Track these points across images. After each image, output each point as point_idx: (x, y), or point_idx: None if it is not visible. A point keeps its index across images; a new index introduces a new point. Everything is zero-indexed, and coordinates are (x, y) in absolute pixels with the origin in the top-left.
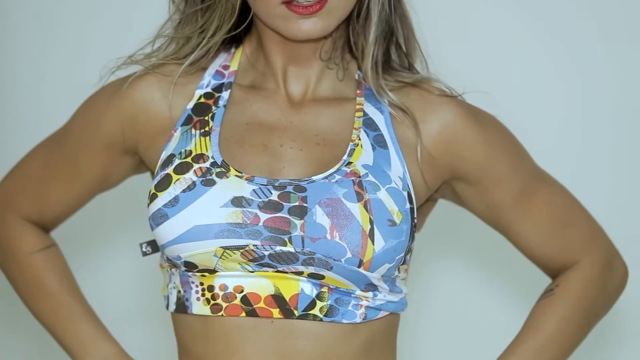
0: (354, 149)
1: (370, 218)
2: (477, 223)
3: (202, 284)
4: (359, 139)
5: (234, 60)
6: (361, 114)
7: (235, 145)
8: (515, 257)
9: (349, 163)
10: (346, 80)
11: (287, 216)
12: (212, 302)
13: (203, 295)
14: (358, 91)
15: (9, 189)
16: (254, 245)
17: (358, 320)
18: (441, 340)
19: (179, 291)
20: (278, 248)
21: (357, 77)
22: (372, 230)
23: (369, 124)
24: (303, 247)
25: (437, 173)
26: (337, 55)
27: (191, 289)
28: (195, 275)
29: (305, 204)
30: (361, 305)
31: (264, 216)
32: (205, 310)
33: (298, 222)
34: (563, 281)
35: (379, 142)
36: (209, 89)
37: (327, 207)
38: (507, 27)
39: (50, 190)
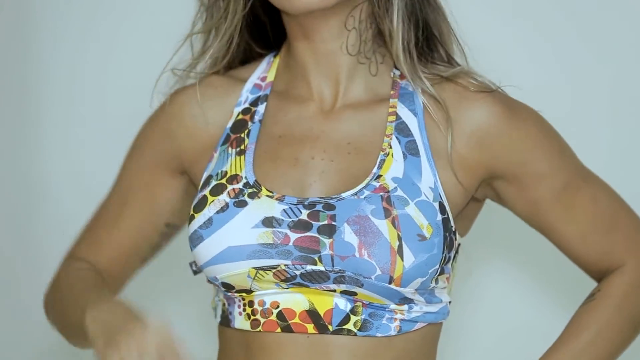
0: (384, 160)
1: (398, 234)
2: (523, 228)
3: (243, 299)
4: (390, 147)
5: (272, 70)
6: (394, 117)
7: (269, 161)
8: (565, 264)
9: (379, 176)
10: (380, 76)
11: (317, 235)
12: (252, 317)
13: (244, 310)
14: (392, 92)
15: (74, 243)
16: (285, 265)
17: (392, 333)
18: (485, 349)
19: (224, 304)
20: (309, 267)
21: (392, 75)
22: (400, 247)
23: (402, 129)
24: (333, 265)
25: (472, 173)
26: (368, 49)
27: (234, 303)
28: (233, 292)
29: (334, 223)
30: (395, 319)
31: (293, 236)
32: (246, 325)
33: (327, 241)
34: (605, 286)
35: (410, 150)
36: (246, 105)
37: (355, 224)
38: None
39: (103, 231)
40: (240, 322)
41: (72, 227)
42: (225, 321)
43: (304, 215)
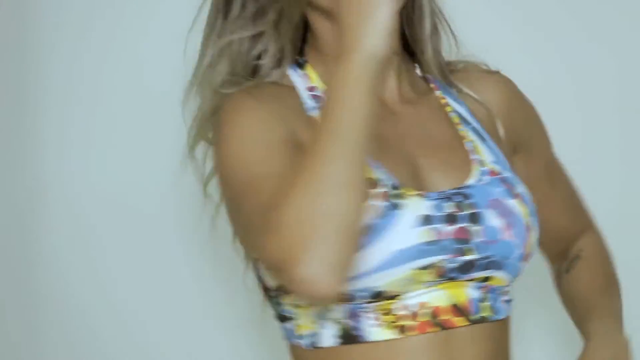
0: (473, 146)
1: (528, 211)
2: None
3: (377, 310)
4: (468, 134)
5: (314, 80)
6: (450, 108)
7: (385, 161)
8: None
9: (481, 161)
10: (412, 72)
11: (465, 225)
12: (395, 324)
13: (382, 319)
14: (432, 85)
15: None
16: (443, 261)
17: (508, 313)
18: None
19: (341, 323)
20: (462, 258)
21: (418, 72)
22: (530, 223)
23: (462, 118)
24: (482, 252)
25: (507, 149)
26: (400, 47)
27: (362, 315)
28: (372, 303)
29: (476, 210)
30: (504, 300)
31: (447, 229)
32: (388, 334)
33: (475, 229)
34: (585, 245)
35: (479, 135)
36: (315, 107)
37: (495, 208)
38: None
39: None
40: (379, 333)
41: (68, 227)
42: (349, 339)
43: (449, 207)
